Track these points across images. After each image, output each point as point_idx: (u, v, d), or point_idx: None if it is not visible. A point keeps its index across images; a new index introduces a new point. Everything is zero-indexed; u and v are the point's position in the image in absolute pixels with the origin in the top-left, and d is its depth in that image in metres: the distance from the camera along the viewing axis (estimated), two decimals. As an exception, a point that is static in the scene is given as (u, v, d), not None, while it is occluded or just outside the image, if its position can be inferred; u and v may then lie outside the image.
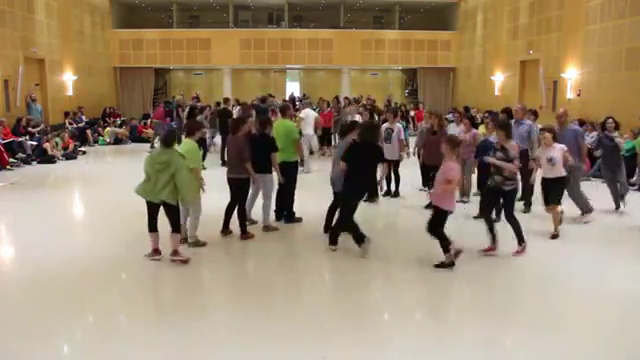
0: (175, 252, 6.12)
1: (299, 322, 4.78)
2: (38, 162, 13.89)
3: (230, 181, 7.00)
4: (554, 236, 7.27)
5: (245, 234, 7.03)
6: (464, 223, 7.84)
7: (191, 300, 5.29)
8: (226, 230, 7.13)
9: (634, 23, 12.58)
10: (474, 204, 8.45)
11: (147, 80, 24.57)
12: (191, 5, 27.10)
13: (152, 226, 6.17)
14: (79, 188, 11.73)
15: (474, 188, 9.28)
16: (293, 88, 28.45)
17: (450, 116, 21.52)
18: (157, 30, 24.74)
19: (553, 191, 7.16)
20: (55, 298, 5.29)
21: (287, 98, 24.00)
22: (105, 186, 11.11)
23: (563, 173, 7.14)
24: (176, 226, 6.10)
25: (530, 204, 8.73)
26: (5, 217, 8.79)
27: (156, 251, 6.21)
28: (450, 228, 6.17)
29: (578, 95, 15.04)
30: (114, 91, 23.90)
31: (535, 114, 10.01)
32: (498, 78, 20.28)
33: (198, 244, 6.67)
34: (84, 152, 15.88)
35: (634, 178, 10.80)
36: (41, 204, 9.56)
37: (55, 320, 4.80)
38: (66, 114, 17.98)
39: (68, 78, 18.99)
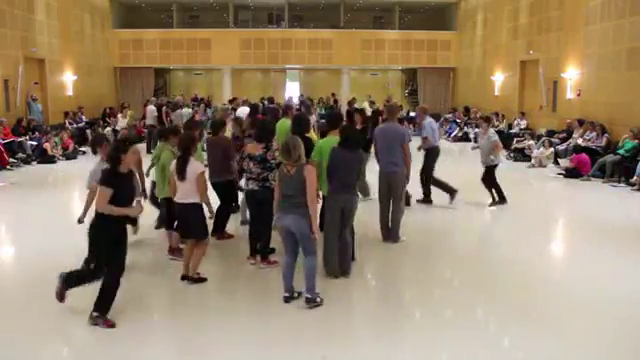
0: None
1: (299, 321, 4.78)
2: (38, 162, 13.90)
3: (217, 185, 6.84)
4: None
5: (222, 234, 7.00)
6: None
7: (193, 300, 5.29)
8: (224, 234, 7.11)
9: (634, 23, 12.56)
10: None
11: (147, 80, 24.54)
12: (191, 5, 27.09)
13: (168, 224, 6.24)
14: (79, 188, 11.69)
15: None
16: (293, 88, 28.43)
17: (450, 116, 21.68)
18: (157, 30, 24.72)
19: None
20: (55, 298, 5.28)
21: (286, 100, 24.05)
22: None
23: None
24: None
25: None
26: (5, 217, 8.80)
27: (175, 251, 6.25)
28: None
29: (578, 95, 15.03)
30: (114, 91, 23.88)
31: (487, 120, 9.63)
32: (498, 78, 20.27)
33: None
34: (84, 152, 15.88)
35: (634, 178, 10.80)
36: (41, 204, 9.56)
37: (55, 320, 4.80)
38: (66, 114, 17.98)
39: (68, 78, 18.97)
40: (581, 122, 14.10)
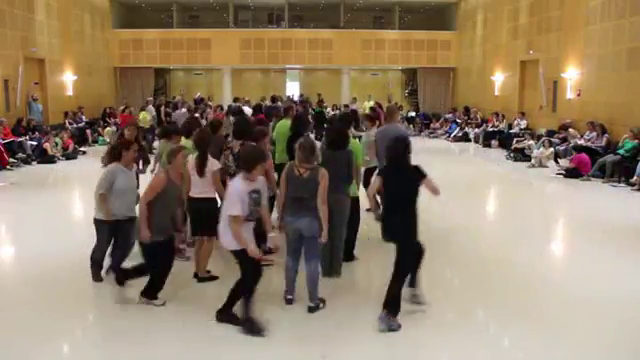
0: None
1: (299, 321, 4.78)
2: (38, 162, 13.90)
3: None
4: None
5: None
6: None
7: (193, 299, 5.29)
8: None
9: (634, 23, 12.56)
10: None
11: (147, 80, 24.56)
12: (191, 5, 27.10)
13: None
14: (79, 188, 11.72)
15: None
16: (293, 88, 28.44)
17: (450, 116, 21.69)
18: (157, 30, 24.72)
19: None
20: (55, 298, 5.29)
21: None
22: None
23: None
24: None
25: None
26: (5, 217, 8.80)
27: (177, 251, 6.23)
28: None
29: (578, 95, 15.04)
30: (114, 91, 23.88)
31: (370, 119, 8.55)
32: (498, 78, 20.27)
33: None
34: (84, 152, 15.89)
35: (634, 178, 10.80)
36: (41, 204, 9.56)
37: (55, 320, 4.80)
38: (66, 114, 17.98)
39: (68, 78, 18.97)
40: (566, 127, 14.35)
